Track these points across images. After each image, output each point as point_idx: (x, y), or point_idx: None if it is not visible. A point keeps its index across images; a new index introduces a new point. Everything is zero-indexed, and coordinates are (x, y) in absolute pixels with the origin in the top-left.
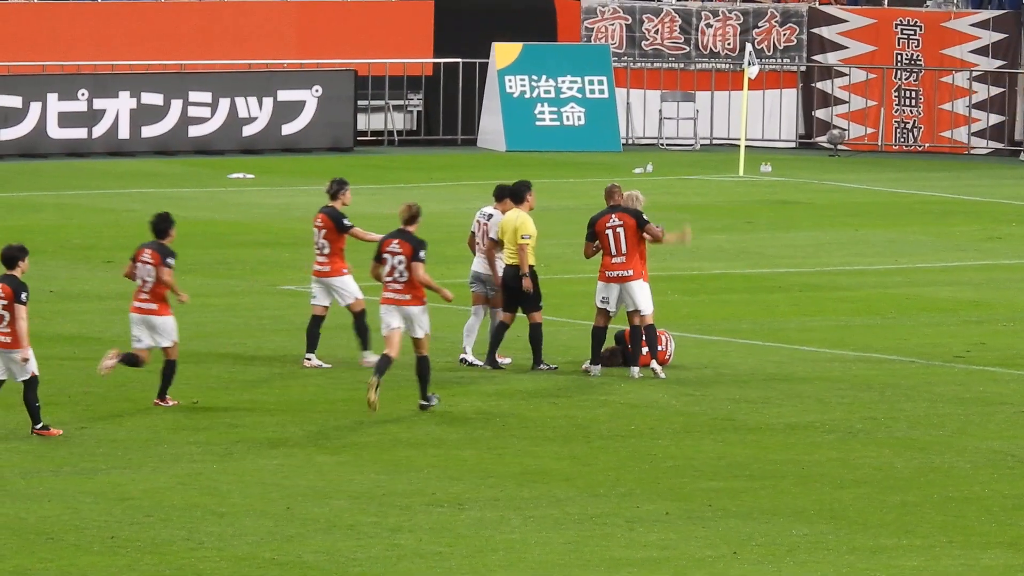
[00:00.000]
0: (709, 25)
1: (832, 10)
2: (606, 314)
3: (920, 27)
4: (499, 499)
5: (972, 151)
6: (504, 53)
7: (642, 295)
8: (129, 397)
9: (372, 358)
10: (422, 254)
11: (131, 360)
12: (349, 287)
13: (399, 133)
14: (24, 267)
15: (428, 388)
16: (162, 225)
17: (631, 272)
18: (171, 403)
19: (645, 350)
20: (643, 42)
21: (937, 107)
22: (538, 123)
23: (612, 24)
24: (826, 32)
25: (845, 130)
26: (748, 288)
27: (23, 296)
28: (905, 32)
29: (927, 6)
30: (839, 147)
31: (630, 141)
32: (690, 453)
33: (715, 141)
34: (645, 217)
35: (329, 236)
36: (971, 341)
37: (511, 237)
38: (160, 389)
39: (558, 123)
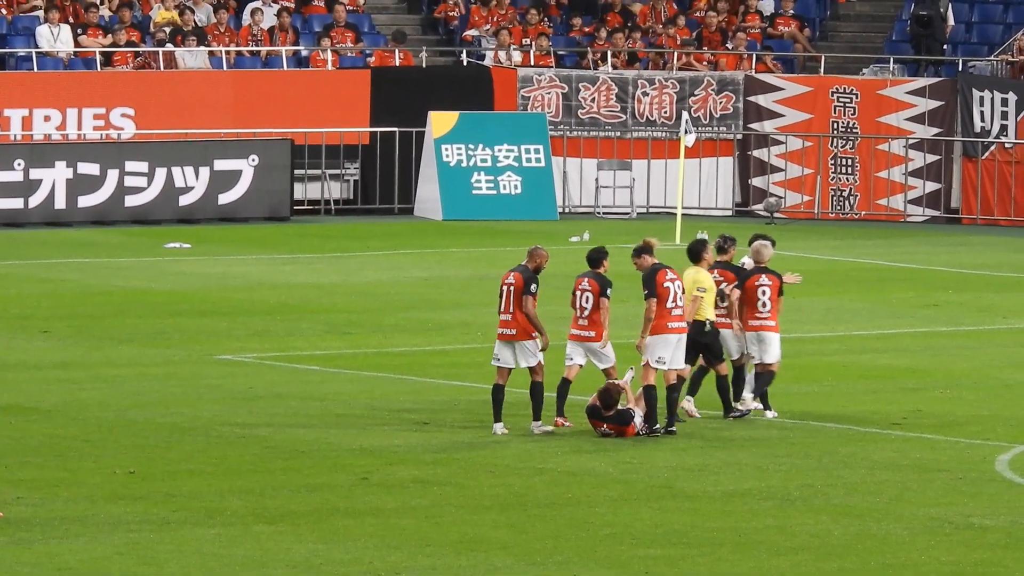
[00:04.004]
0: (645, 93)
1: (768, 78)
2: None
3: (856, 95)
4: (436, 567)
5: (908, 219)
6: (440, 122)
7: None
8: (67, 467)
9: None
10: (609, 292)
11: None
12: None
13: (336, 202)
14: None
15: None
16: (595, 256)
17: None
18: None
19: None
20: (579, 110)
21: (873, 175)
22: (475, 192)
23: (548, 92)
24: (762, 100)
25: (781, 198)
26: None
27: None
28: (841, 100)
29: (863, 74)
30: (775, 215)
31: (567, 209)
32: (627, 520)
33: (651, 209)
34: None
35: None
36: (908, 408)
37: (690, 294)
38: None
39: (495, 192)
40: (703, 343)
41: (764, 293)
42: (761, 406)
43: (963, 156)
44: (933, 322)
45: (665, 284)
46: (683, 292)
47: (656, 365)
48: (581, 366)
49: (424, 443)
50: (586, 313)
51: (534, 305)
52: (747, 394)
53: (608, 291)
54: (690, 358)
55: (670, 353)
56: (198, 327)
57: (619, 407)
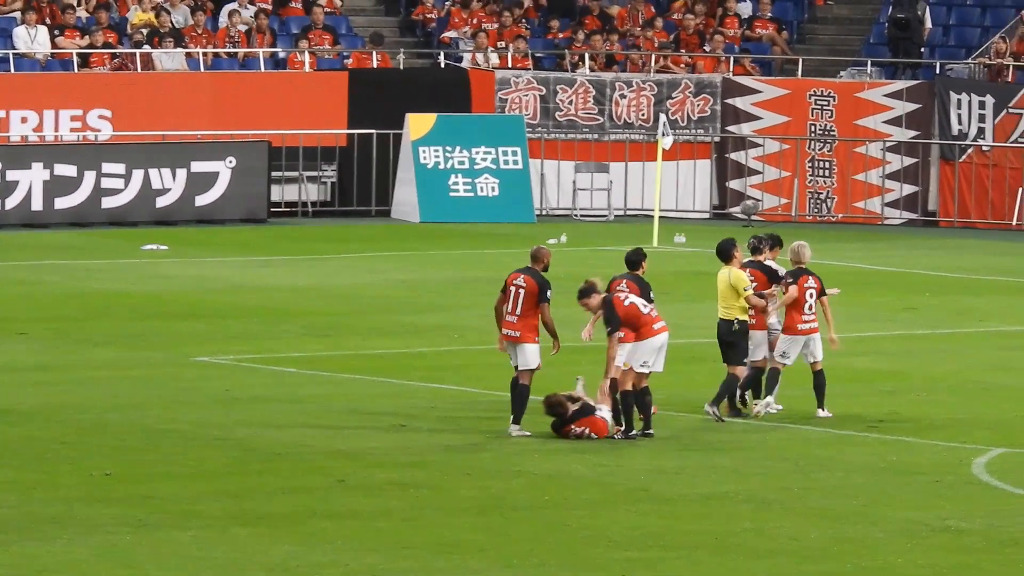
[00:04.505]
0: (623, 96)
1: (746, 81)
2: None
3: (834, 97)
4: (414, 570)
5: (886, 221)
6: (418, 124)
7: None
8: (44, 469)
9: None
10: (651, 295)
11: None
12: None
13: (313, 204)
14: None
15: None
16: (634, 257)
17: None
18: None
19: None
20: (557, 113)
21: (851, 177)
22: (452, 194)
23: (526, 95)
24: (740, 103)
25: (759, 201)
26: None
27: None
28: (819, 103)
29: (841, 77)
30: (753, 218)
31: (544, 212)
32: (605, 524)
33: (629, 212)
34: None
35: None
36: (885, 411)
37: (724, 293)
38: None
39: (472, 194)
40: (728, 342)
41: (811, 296)
42: (826, 413)
43: (940, 159)
44: (911, 325)
45: (626, 304)
46: (644, 299)
47: (640, 369)
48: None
49: (402, 445)
50: None
51: (549, 310)
52: (770, 398)
53: (650, 294)
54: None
55: (654, 357)
56: (176, 329)
57: (576, 407)
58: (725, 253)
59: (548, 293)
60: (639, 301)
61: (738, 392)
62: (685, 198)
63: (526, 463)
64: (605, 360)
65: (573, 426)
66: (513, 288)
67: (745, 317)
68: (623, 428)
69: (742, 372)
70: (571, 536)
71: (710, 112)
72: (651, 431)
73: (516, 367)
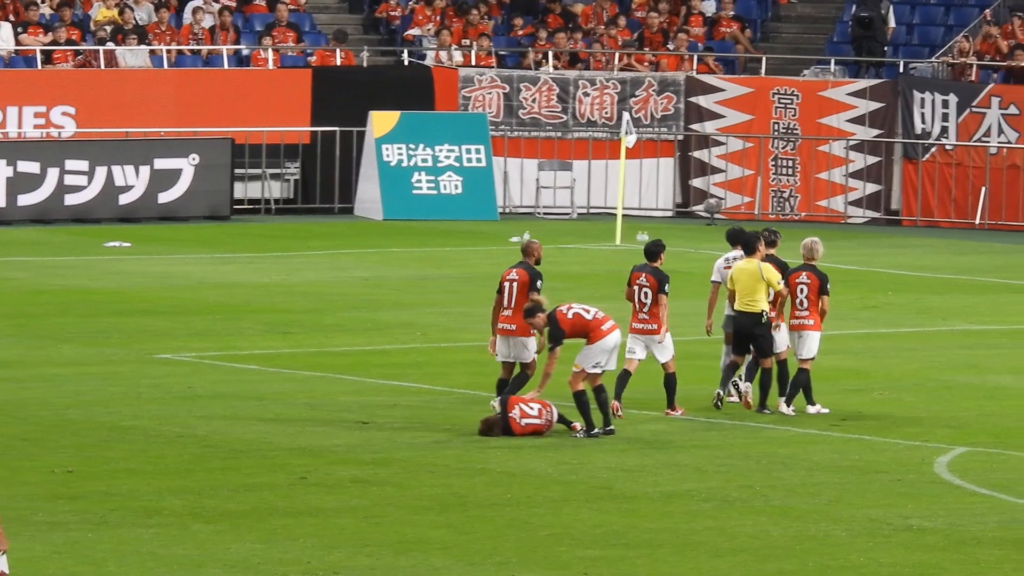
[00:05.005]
0: (586, 94)
1: (709, 79)
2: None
3: (797, 96)
4: (376, 568)
5: (849, 220)
6: (381, 122)
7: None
8: (6, 466)
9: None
10: (667, 288)
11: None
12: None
13: (276, 202)
14: None
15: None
16: (654, 248)
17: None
18: (679, 412)
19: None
20: (520, 111)
21: (814, 176)
22: (415, 192)
23: (490, 93)
24: (703, 101)
25: (722, 199)
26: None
27: None
28: (782, 101)
29: (804, 75)
30: (716, 216)
31: (507, 210)
32: (567, 522)
33: (592, 210)
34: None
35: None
36: (848, 410)
37: (750, 286)
38: (668, 400)
39: (435, 192)
40: (756, 334)
41: (802, 291)
42: (790, 411)
43: (904, 158)
44: (873, 324)
45: (569, 317)
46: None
47: (593, 370)
48: (641, 360)
49: (364, 443)
50: (646, 308)
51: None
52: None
53: (666, 287)
54: (741, 349)
55: (606, 358)
56: (138, 326)
57: (499, 411)
58: (749, 246)
59: (539, 283)
60: (581, 309)
61: (731, 377)
62: (648, 196)
63: (489, 461)
64: (565, 367)
65: (512, 419)
66: (507, 284)
67: (767, 308)
68: (584, 427)
69: (770, 363)
70: (533, 534)
71: (673, 110)
72: (612, 428)
73: (503, 363)
